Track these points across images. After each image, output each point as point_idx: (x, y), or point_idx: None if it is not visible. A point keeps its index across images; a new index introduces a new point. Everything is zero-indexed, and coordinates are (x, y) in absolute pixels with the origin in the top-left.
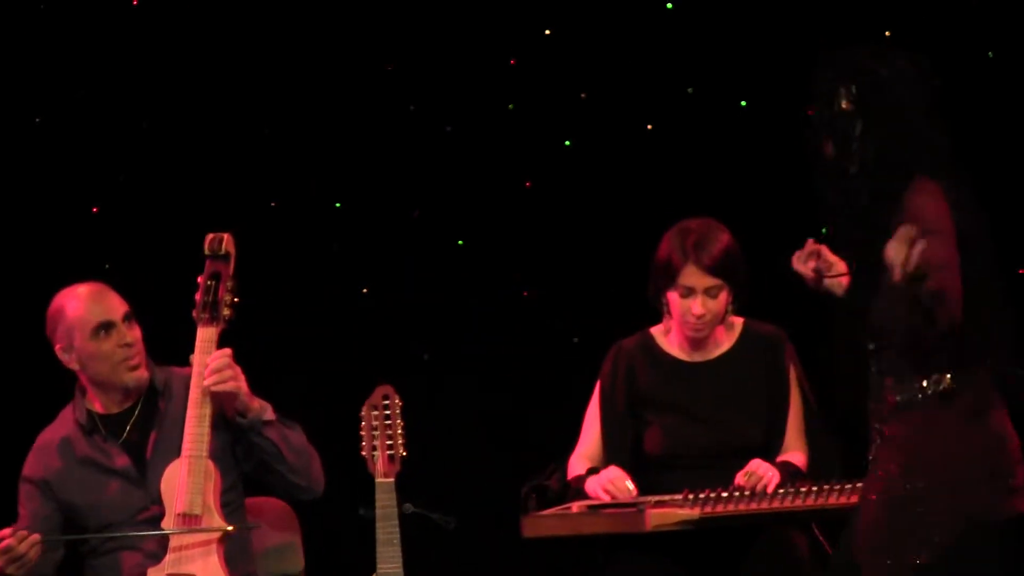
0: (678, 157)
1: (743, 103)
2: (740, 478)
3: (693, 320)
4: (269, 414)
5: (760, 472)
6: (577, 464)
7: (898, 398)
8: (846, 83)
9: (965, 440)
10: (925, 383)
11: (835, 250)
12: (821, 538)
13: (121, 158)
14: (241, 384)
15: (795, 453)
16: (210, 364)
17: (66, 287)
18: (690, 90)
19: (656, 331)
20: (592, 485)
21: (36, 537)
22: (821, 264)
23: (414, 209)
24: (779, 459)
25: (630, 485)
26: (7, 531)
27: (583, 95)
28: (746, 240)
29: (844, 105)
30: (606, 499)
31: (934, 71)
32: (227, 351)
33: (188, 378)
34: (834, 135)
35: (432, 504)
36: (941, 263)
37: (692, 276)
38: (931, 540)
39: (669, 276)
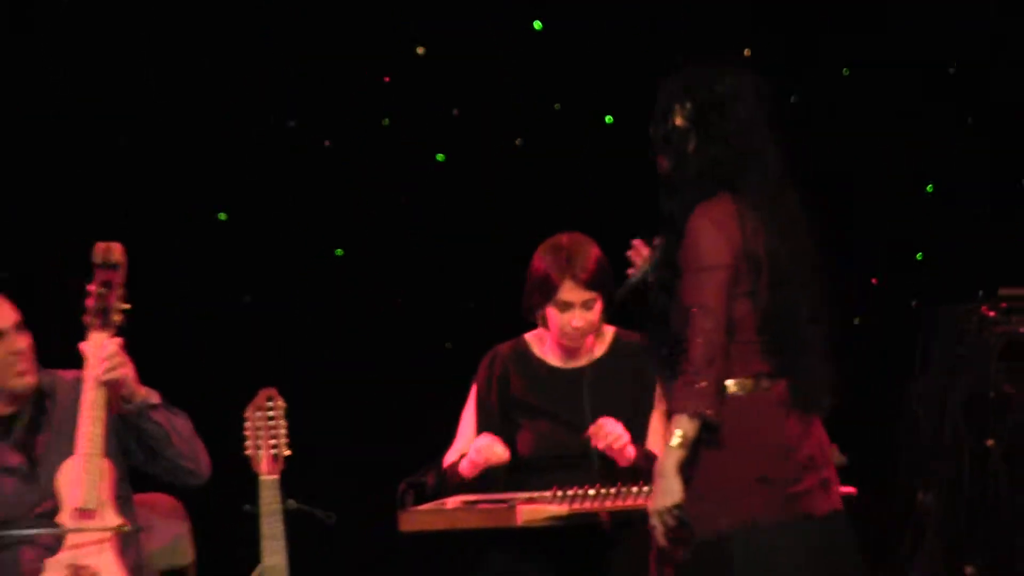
0: (546, 170)
1: (608, 119)
2: (591, 429)
3: (572, 331)
4: (155, 398)
5: (608, 428)
6: (451, 456)
7: (677, 412)
8: (681, 100)
9: (743, 445)
10: (728, 386)
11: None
12: None
13: (7, 171)
14: (129, 371)
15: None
16: (101, 354)
17: None
18: (557, 106)
19: (530, 337)
20: (465, 460)
21: None
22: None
23: (295, 220)
24: (647, 447)
25: (500, 449)
26: None
27: (455, 111)
28: (612, 252)
29: (678, 121)
30: (479, 460)
31: (775, 89)
32: (117, 340)
33: (74, 381)
34: (668, 151)
35: (314, 501)
36: (696, 303)
37: (570, 292)
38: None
39: (546, 292)
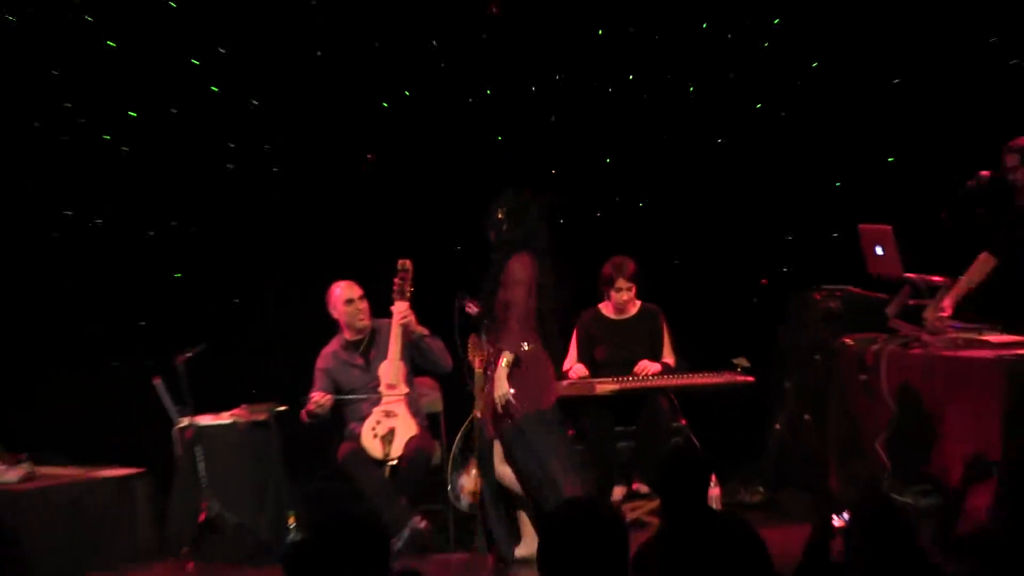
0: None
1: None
2: (638, 367)
3: (621, 303)
4: (426, 332)
5: (642, 366)
6: (565, 365)
7: (504, 351)
8: (502, 205)
9: (536, 374)
10: (523, 345)
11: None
12: (674, 400)
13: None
14: (412, 319)
15: (669, 359)
16: (400, 311)
17: (337, 281)
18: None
19: (602, 306)
20: (571, 372)
21: (330, 397)
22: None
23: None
24: (662, 361)
25: (584, 371)
26: (316, 393)
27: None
28: (643, 264)
29: (500, 215)
30: (576, 376)
31: (549, 204)
32: (407, 304)
33: (388, 323)
34: (494, 229)
35: None
36: (515, 301)
37: (620, 283)
38: (526, 422)
39: (609, 283)
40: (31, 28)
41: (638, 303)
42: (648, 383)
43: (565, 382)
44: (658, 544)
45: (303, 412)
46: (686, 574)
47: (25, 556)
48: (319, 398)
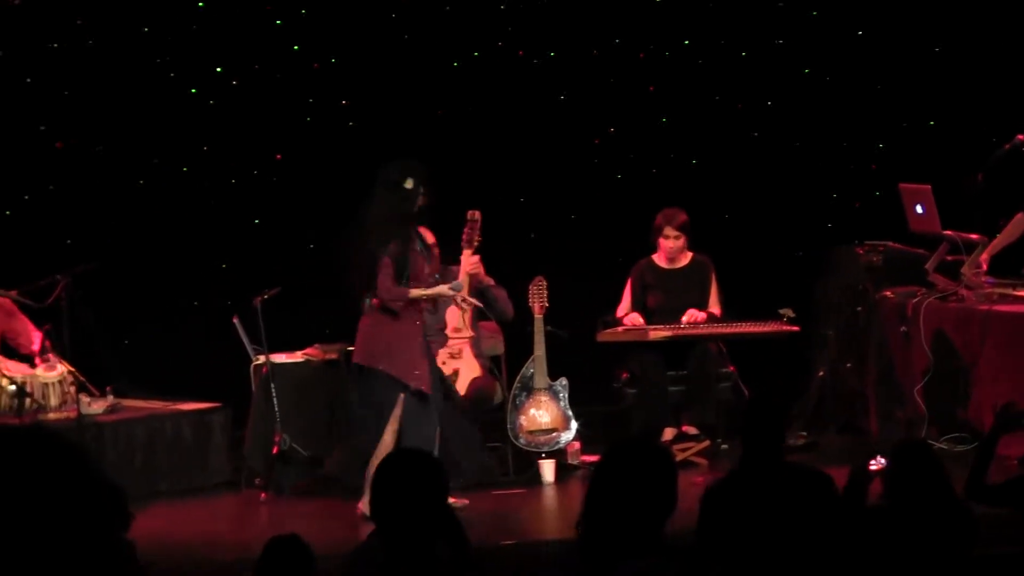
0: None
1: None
2: (685, 317)
3: (671, 250)
4: (491, 281)
5: (690, 315)
6: (620, 311)
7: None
8: (422, 174)
9: (404, 331)
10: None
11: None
12: (723, 346)
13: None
14: (480, 268)
15: (715, 308)
16: (468, 260)
17: None
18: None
19: (655, 256)
20: (626, 320)
21: None
22: None
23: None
24: (708, 311)
25: (640, 319)
26: None
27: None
28: (695, 218)
29: (408, 185)
30: (630, 324)
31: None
32: (477, 256)
33: (457, 270)
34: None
35: (558, 326)
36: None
37: (670, 231)
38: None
39: (659, 231)
40: None
41: (690, 254)
42: (699, 331)
43: (620, 328)
44: (729, 485)
45: None
46: (758, 515)
47: (107, 483)
48: None
